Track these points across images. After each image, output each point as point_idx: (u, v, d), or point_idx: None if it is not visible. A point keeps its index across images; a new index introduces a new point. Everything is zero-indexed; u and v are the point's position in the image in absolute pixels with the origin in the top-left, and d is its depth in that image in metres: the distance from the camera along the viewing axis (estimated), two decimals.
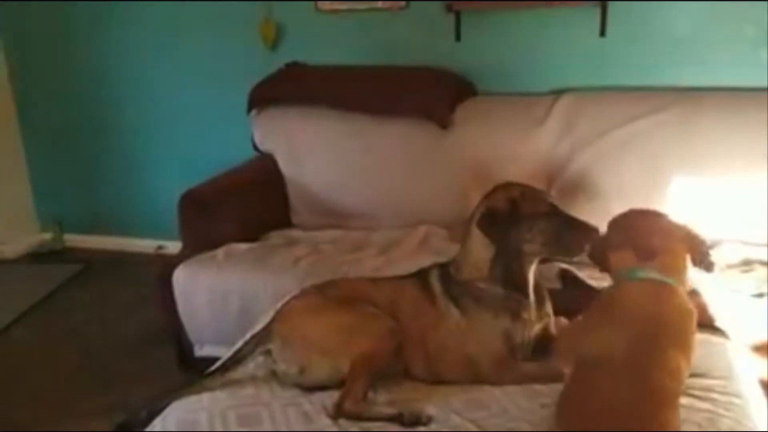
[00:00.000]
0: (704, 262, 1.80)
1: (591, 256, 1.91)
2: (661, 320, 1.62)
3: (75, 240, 4.48)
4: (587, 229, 1.88)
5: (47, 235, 4.49)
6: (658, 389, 1.51)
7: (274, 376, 1.92)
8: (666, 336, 1.60)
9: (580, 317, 1.85)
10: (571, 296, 2.18)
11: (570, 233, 1.88)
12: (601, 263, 1.87)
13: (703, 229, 2.67)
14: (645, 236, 1.76)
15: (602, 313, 1.70)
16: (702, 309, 2.22)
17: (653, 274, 1.69)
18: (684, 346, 1.62)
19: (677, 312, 1.66)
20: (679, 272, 1.74)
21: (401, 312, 1.95)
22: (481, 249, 1.93)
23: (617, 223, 1.87)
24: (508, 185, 1.99)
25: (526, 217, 1.88)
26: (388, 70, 3.33)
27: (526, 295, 1.92)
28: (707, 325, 2.09)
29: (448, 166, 3.05)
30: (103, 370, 3.12)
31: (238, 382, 1.91)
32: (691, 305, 1.69)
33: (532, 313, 1.93)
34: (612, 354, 1.54)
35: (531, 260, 1.92)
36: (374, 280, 2.12)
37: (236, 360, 1.94)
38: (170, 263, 2.92)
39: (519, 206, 1.88)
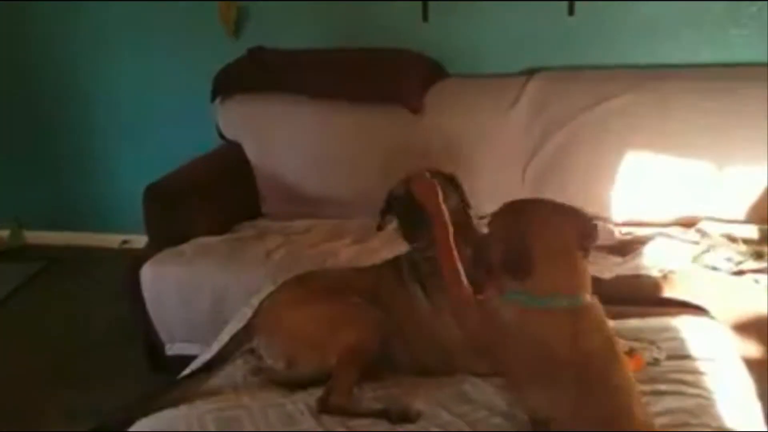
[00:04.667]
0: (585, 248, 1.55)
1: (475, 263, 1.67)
2: (583, 356, 1.43)
3: (35, 236, 4.33)
4: (419, 223, 1.84)
5: (5, 232, 4.34)
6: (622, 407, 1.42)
7: (257, 374, 1.86)
8: (596, 371, 1.45)
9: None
10: None
11: (405, 225, 1.92)
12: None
13: (679, 207, 2.76)
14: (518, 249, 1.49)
15: (519, 356, 1.49)
16: (651, 286, 2.27)
17: (549, 301, 1.47)
18: (616, 355, 1.49)
19: (597, 336, 1.48)
20: (578, 282, 1.51)
21: (381, 301, 1.91)
22: None
23: (502, 226, 1.58)
24: (418, 173, 1.99)
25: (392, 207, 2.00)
26: (356, 54, 3.25)
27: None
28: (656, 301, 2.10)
29: (421, 150, 2.99)
30: (70, 372, 3.03)
31: (216, 386, 1.84)
32: (603, 318, 1.51)
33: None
34: (557, 411, 1.42)
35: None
36: (356, 269, 2.10)
37: (218, 361, 1.88)
38: (137, 259, 2.83)
39: (390, 195, 2.01)
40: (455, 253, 1.68)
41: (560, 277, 1.49)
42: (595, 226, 1.59)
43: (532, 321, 1.47)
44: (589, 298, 1.50)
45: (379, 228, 2.08)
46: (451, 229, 1.73)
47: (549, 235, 1.50)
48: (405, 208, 1.91)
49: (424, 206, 1.81)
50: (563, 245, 1.50)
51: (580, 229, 1.53)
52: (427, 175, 1.91)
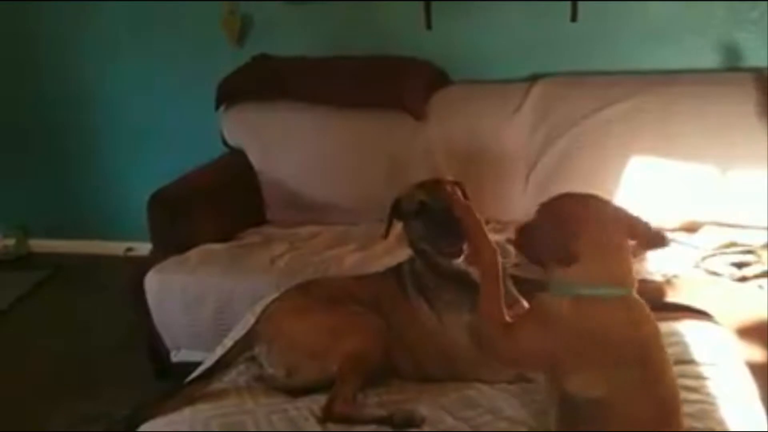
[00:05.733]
0: (653, 241, 1.56)
1: (519, 248, 1.69)
2: (643, 342, 1.47)
3: (40, 244, 4.35)
4: (453, 232, 1.79)
5: (10, 241, 4.35)
6: (673, 408, 1.46)
7: (259, 382, 1.86)
8: (654, 356, 1.48)
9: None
10: None
11: (436, 234, 1.84)
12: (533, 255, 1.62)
13: (683, 211, 2.76)
14: (583, 231, 1.49)
15: (572, 345, 1.47)
16: (655, 290, 2.24)
17: (603, 290, 1.48)
18: (664, 353, 1.52)
19: (650, 326, 1.51)
20: (627, 275, 1.52)
21: (383, 309, 1.90)
22: None
23: (550, 213, 1.57)
24: (428, 181, 1.97)
25: (403, 215, 1.95)
26: (359, 61, 3.26)
27: (470, 285, 1.84)
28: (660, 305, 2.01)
29: (425, 157, 3.01)
30: (75, 379, 3.03)
31: (220, 391, 1.84)
32: (648, 311, 1.53)
33: None
34: (597, 393, 1.42)
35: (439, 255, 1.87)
36: (357, 278, 2.09)
37: (219, 368, 1.88)
38: (141, 267, 2.84)
39: (399, 203, 1.95)
40: (501, 275, 1.67)
41: (609, 267, 1.48)
42: (650, 229, 1.56)
43: (586, 309, 1.46)
44: (635, 293, 1.52)
45: (385, 236, 2.03)
46: (498, 252, 1.72)
47: (598, 227, 1.49)
48: (439, 217, 1.84)
49: (462, 221, 1.76)
50: (611, 238, 1.49)
51: (630, 227, 1.52)
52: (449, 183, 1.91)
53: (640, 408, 1.41)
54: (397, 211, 1.98)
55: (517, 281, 1.96)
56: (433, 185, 1.92)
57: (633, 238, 1.52)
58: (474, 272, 1.84)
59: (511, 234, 2.70)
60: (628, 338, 1.45)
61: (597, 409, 1.41)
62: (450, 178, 1.99)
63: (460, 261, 1.84)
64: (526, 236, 1.61)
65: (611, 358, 1.44)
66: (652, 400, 1.42)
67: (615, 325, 1.46)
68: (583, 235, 1.47)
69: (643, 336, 1.46)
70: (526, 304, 1.86)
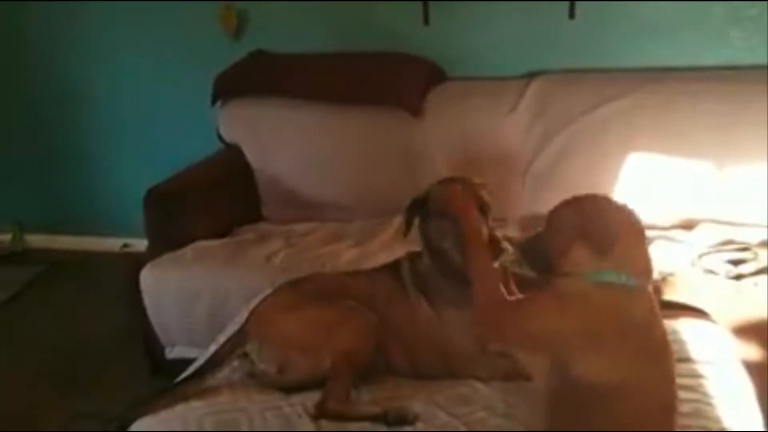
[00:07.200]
0: None
1: (524, 253, 1.69)
2: (650, 333, 1.47)
3: (36, 240, 4.35)
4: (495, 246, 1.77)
5: (6, 236, 4.34)
6: (669, 404, 1.46)
7: (251, 378, 1.86)
8: (659, 348, 1.49)
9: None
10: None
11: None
12: (540, 261, 1.62)
13: (680, 209, 2.75)
14: (601, 226, 1.51)
15: (574, 331, 1.47)
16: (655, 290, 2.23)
17: (623, 278, 1.48)
18: (669, 347, 1.52)
19: (654, 319, 1.51)
20: (645, 267, 1.53)
21: (377, 305, 1.89)
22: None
23: (562, 214, 1.59)
24: (449, 179, 1.93)
25: (433, 215, 1.86)
26: (356, 57, 3.25)
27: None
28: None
29: (421, 154, 3.01)
30: (71, 376, 3.02)
31: (214, 388, 1.84)
32: (658, 308, 1.54)
33: None
34: (610, 378, 1.40)
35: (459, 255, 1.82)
36: (351, 274, 2.08)
37: (211, 365, 1.87)
38: (137, 263, 2.83)
39: (429, 202, 1.87)
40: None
41: (640, 258, 1.52)
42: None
43: (612, 294, 1.47)
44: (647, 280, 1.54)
45: (406, 233, 1.95)
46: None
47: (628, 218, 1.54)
48: None
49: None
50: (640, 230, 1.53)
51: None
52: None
53: (645, 402, 1.41)
54: (425, 208, 1.89)
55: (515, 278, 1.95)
56: (476, 188, 1.87)
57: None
58: None
59: (508, 230, 2.73)
60: (651, 331, 1.46)
61: (602, 396, 1.40)
62: (477, 180, 1.92)
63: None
64: (531, 247, 1.64)
65: (631, 346, 1.43)
66: (657, 396, 1.43)
67: (640, 316, 1.46)
68: (617, 226, 1.50)
69: (663, 331, 1.48)
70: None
